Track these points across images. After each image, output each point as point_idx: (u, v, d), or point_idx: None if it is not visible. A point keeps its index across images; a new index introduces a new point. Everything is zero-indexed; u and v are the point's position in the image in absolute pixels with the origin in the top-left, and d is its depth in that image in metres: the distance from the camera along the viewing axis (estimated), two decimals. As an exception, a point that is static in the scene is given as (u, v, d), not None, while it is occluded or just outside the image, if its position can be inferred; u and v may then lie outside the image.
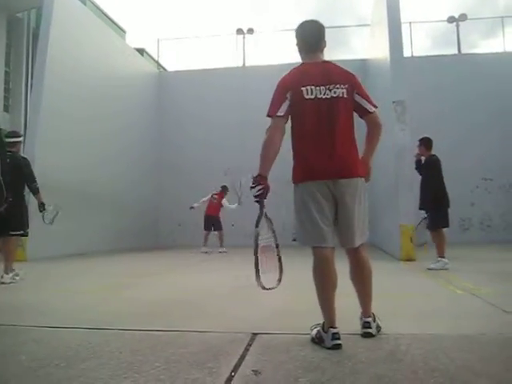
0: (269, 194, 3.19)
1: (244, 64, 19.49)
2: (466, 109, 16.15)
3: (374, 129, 3.36)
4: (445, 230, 7.91)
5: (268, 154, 3.22)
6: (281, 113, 3.19)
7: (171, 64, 21.37)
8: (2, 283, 6.39)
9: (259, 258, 3.10)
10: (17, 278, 6.69)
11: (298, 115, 3.22)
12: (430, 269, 7.45)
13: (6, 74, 16.62)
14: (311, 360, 2.73)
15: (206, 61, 20.45)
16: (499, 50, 18.11)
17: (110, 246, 13.59)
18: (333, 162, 3.11)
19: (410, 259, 9.07)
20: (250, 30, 19.73)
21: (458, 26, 18.33)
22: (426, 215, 7.98)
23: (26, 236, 7.26)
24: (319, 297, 3.13)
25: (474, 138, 15.87)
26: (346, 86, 3.20)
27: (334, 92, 3.17)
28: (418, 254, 9.09)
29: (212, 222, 13.74)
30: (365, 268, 3.29)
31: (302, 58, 3.42)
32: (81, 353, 2.96)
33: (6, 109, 16.44)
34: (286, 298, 4.89)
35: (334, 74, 3.25)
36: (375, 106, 3.32)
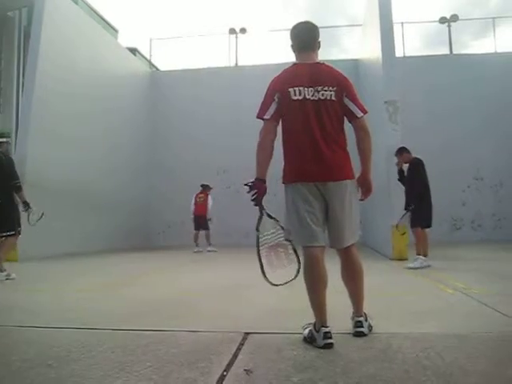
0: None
1: (237, 63, 19.49)
2: (458, 109, 16.21)
3: (362, 136, 3.28)
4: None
5: (260, 157, 3.26)
6: (267, 116, 3.22)
7: (164, 63, 21.33)
8: None
9: (266, 257, 3.19)
10: (11, 277, 6.68)
11: (286, 116, 3.24)
12: (409, 268, 7.53)
13: (-3, 72, 16.58)
14: (303, 359, 2.75)
15: (198, 60, 20.40)
16: (491, 50, 18.21)
17: (101, 246, 13.53)
18: (320, 165, 3.13)
19: (401, 259, 9.09)
20: (243, 30, 19.73)
21: (449, 26, 18.41)
22: (408, 208, 8.00)
23: (19, 235, 7.21)
24: (310, 296, 3.14)
25: (465, 137, 15.93)
26: (335, 88, 3.19)
27: (322, 94, 3.16)
28: (411, 253, 9.12)
29: (200, 221, 13.70)
30: (356, 267, 3.30)
31: (296, 59, 3.41)
32: (73, 353, 2.95)
33: (-3, 108, 16.39)
34: (278, 298, 4.90)
35: (324, 75, 3.23)
36: (364, 111, 3.27)
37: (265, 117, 3.23)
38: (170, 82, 18.80)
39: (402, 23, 17.94)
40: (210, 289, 6.02)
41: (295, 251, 3.21)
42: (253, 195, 3.21)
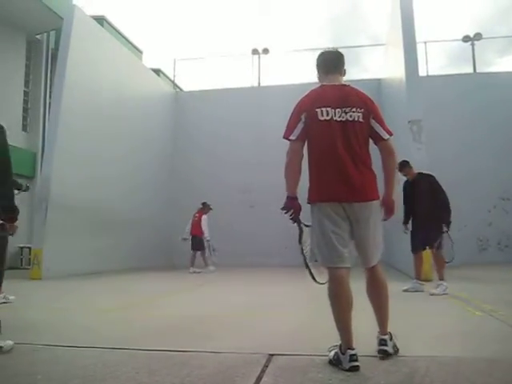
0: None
1: (259, 84, 19.62)
2: (481, 127, 16.02)
3: (387, 156, 3.33)
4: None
5: (290, 177, 3.31)
6: (293, 137, 3.25)
7: (187, 84, 21.57)
8: None
9: (311, 263, 3.25)
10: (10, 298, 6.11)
11: (312, 136, 3.26)
12: (432, 294, 7.04)
13: (25, 94, 16.86)
14: (329, 382, 2.71)
15: (221, 80, 20.60)
16: (515, 68, 18.06)
17: (124, 265, 13.59)
18: (347, 186, 3.15)
19: (427, 280, 8.94)
20: (265, 50, 19.87)
21: (473, 44, 18.30)
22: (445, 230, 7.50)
23: None
24: (335, 317, 3.11)
25: (490, 157, 15.71)
26: (363, 110, 3.23)
27: (350, 116, 3.19)
28: (436, 274, 8.97)
29: (193, 241, 13.47)
30: (381, 284, 3.32)
31: (321, 81, 3.45)
32: (97, 373, 2.96)
33: (25, 128, 16.62)
34: (302, 318, 4.86)
35: (351, 97, 3.27)
36: (390, 134, 3.33)
37: (291, 137, 3.25)
38: (194, 102, 19.00)
39: (425, 42, 17.90)
40: (233, 309, 5.99)
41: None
42: (290, 215, 3.28)
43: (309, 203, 3.32)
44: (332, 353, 3.15)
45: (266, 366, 3.06)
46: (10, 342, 3.55)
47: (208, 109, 18.58)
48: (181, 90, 21.25)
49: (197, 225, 13.44)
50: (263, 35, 54.58)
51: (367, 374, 2.83)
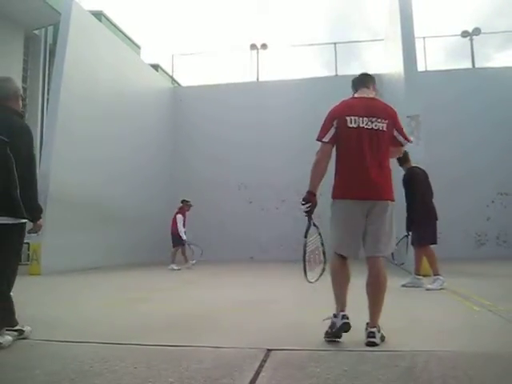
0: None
1: (258, 79, 19.59)
2: (480, 123, 16.04)
3: (394, 153, 4.00)
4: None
5: (315, 174, 3.72)
6: (326, 139, 3.70)
7: (185, 79, 21.52)
8: None
9: (308, 260, 3.62)
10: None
11: (341, 140, 3.69)
12: (428, 289, 7.02)
13: (23, 90, 16.83)
14: (326, 377, 2.70)
15: (219, 76, 20.50)
16: (514, 63, 18.07)
17: (123, 261, 13.61)
18: (367, 186, 3.59)
19: (426, 275, 8.94)
20: (264, 45, 19.85)
21: (471, 40, 18.29)
22: (406, 233, 7.62)
23: None
24: (334, 289, 3.65)
25: (489, 152, 15.73)
26: (387, 121, 3.69)
27: (376, 125, 3.65)
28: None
29: (172, 238, 13.26)
30: (380, 277, 3.60)
31: (353, 94, 3.96)
32: (95, 367, 2.95)
33: (23, 124, 16.61)
34: (300, 313, 4.86)
35: (378, 109, 3.75)
36: (408, 140, 3.89)
37: (324, 139, 3.70)
38: (192, 97, 18.99)
39: (424, 37, 17.88)
40: (232, 304, 5.99)
41: (324, 254, 3.70)
42: (307, 207, 3.68)
43: (332, 198, 3.73)
44: (328, 321, 3.58)
45: (264, 361, 3.06)
46: (10, 338, 3.56)
47: (206, 104, 18.57)
48: (179, 85, 21.22)
49: (173, 222, 13.24)
50: (262, 30, 54.53)
51: (366, 369, 2.83)
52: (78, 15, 12.88)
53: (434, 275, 7.20)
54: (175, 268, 12.61)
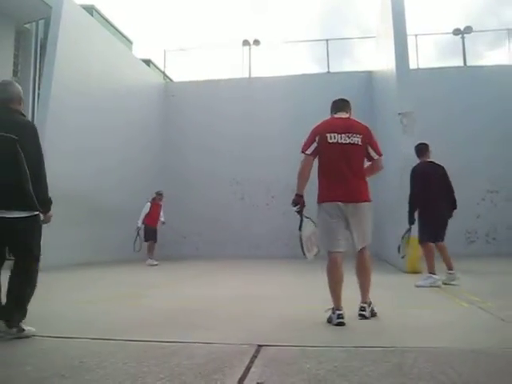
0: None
1: (250, 75, 19.56)
2: (471, 121, 16.10)
3: (373, 169, 4.65)
4: (448, 242, 7.50)
5: (301, 180, 4.47)
6: (309, 152, 4.43)
7: (177, 74, 21.45)
8: None
9: (305, 244, 4.42)
10: None
11: (322, 153, 4.42)
12: (417, 286, 7.00)
13: (14, 84, 16.77)
14: (316, 372, 2.72)
15: (212, 71, 20.45)
16: (505, 61, 18.14)
17: (114, 256, 13.54)
18: (346, 191, 4.30)
19: (415, 271, 9.01)
20: (256, 42, 19.81)
21: (463, 38, 18.35)
22: (408, 227, 7.57)
23: None
24: (330, 288, 4.25)
25: (479, 150, 15.80)
26: (361, 136, 4.40)
27: (352, 139, 4.36)
28: (424, 266, 9.02)
29: (145, 231, 13.27)
30: (366, 264, 4.44)
31: (332, 115, 4.68)
32: (86, 363, 2.95)
33: (13, 118, 16.51)
34: (290, 309, 4.87)
35: (354, 126, 4.46)
36: (380, 154, 4.55)
37: (307, 152, 4.44)
38: (184, 92, 18.92)
39: (416, 35, 17.92)
40: (223, 300, 5.99)
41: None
42: (298, 208, 4.42)
43: (318, 203, 4.43)
44: (328, 313, 4.17)
45: (254, 357, 3.07)
46: (33, 330, 3.78)
47: (198, 99, 18.51)
48: (171, 80, 21.15)
49: (150, 214, 13.21)
50: (254, 26, 54.49)
51: (356, 365, 2.85)
52: (69, 9, 12.78)
53: (429, 273, 7.16)
54: (154, 263, 12.57)
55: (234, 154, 17.66)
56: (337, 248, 4.29)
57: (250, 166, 17.43)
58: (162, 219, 13.51)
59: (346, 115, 4.63)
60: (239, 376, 2.66)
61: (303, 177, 4.44)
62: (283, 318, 4.51)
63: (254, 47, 19.85)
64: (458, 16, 48.45)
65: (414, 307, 5.29)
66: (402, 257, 7.92)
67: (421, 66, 17.81)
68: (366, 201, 4.38)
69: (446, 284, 7.07)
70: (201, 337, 3.67)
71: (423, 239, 7.38)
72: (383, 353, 3.12)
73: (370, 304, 4.36)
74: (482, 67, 17.79)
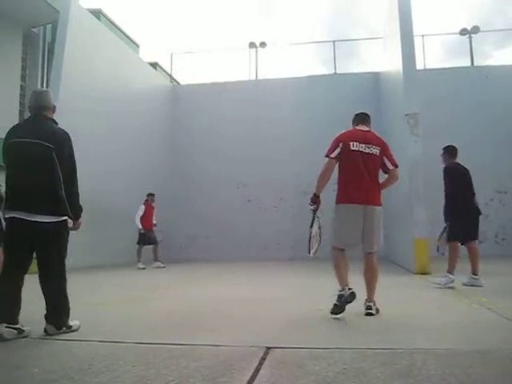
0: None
1: (257, 77, 19.58)
2: (478, 121, 16.03)
3: (390, 179, 5.08)
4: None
5: (321, 181, 4.86)
6: (333, 155, 4.81)
7: (184, 77, 21.49)
8: None
9: (312, 241, 4.90)
10: None
11: (344, 159, 4.82)
12: (433, 283, 7.06)
13: (22, 88, 16.80)
14: (326, 374, 2.70)
15: (218, 74, 20.50)
16: (512, 61, 18.07)
17: (121, 259, 13.57)
18: (363, 194, 4.71)
19: (424, 273, 8.97)
20: (263, 44, 19.83)
21: (470, 38, 18.27)
22: (446, 225, 7.42)
23: None
24: (336, 274, 4.68)
25: (487, 150, 15.70)
26: (379, 148, 4.87)
27: (371, 150, 4.82)
28: (433, 267, 8.99)
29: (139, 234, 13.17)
30: (373, 266, 4.83)
31: (354, 126, 5.10)
32: (94, 366, 2.96)
33: (21, 122, 16.56)
34: (298, 311, 4.86)
35: (373, 138, 4.93)
36: (395, 166, 4.97)
37: (331, 156, 4.82)
38: (191, 95, 18.95)
39: (423, 35, 17.87)
40: (231, 302, 5.98)
41: (320, 236, 4.94)
42: (314, 207, 4.89)
43: (336, 203, 4.85)
44: (335, 298, 4.46)
45: (263, 359, 3.06)
46: (78, 323, 4.11)
47: (205, 102, 18.54)
48: (178, 83, 21.19)
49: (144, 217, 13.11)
50: (261, 28, 54.50)
51: (365, 367, 2.83)
52: (76, 13, 12.86)
53: (447, 272, 7.08)
54: (141, 267, 12.42)
55: (241, 157, 17.66)
56: (344, 246, 4.80)
57: (258, 168, 17.44)
58: (154, 222, 13.39)
59: (367, 128, 5.06)
60: (248, 378, 2.66)
61: (324, 178, 4.82)
62: (291, 320, 4.50)
63: (260, 49, 19.89)
64: (466, 16, 48.22)
65: (423, 308, 5.26)
66: (443, 254, 7.73)
67: (428, 67, 17.77)
68: (377, 205, 4.80)
69: (465, 285, 7.02)
70: (209, 339, 3.67)
71: (453, 238, 7.29)
72: (392, 354, 3.11)
73: (374, 303, 4.69)
74: (488, 67, 17.73)
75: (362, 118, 5.15)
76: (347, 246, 4.83)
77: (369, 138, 4.89)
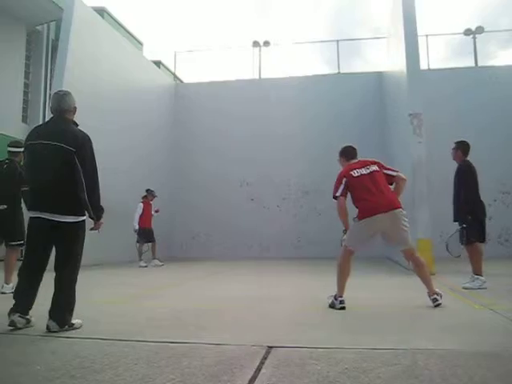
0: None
1: (260, 76, 19.57)
2: (481, 121, 15.98)
3: (399, 183, 5.47)
4: (458, 244, 7.31)
5: (342, 218, 5.30)
6: (338, 193, 5.29)
7: (187, 76, 21.49)
8: (3, 293, 6.30)
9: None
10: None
11: (353, 187, 5.30)
12: (465, 288, 6.77)
13: (25, 85, 16.82)
14: (327, 374, 2.70)
15: (222, 73, 20.49)
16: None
17: (123, 257, 13.59)
18: (384, 201, 5.14)
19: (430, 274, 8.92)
20: (266, 43, 19.81)
21: (474, 38, 18.23)
22: (460, 227, 7.15)
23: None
24: (338, 278, 5.10)
25: (490, 151, 15.63)
26: (376, 165, 5.42)
27: (371, 169, 5.34)
28: (437, 268, 8.96)
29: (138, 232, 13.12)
30: (419, 264, 5.28)
31: (343, 163, 5.68)
32: (96, 364, 2.96)
33: (25, 120, 16.58)
34: (300, 310, 4.86)
35: (367, 162, 5.47)
36: (396, 171, 5.50)
37: (337, 194, 5.29)
38: (194, 94, 18.96)
39: (427, 35, 17.83)
40: (233, 301, 5.99)
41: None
42: (344, 234, 5.37)
43: (358, 219, 5.19)
44: (330, 300, 5.00)
45: (264, 358, 3.06)
46: (80, 321, 4.12)
47: (209, 101, 18.56)
48: (181, 81, 21.20)
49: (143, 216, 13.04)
50: (264, 27, 54.44)
51: (367, 367, 2.83)
52: (80, 11, 12.86)
53: (475, 274, 6.96)
54: (142, 265, 12.45)
55: (244, 155, 17.67)
56: (354, 247, 5.25)
57: (260, 167, 17.44)
58: (153, 213, 13.27)
59: (357, 160, 5.61)
60: (249, 377, 2.66)
61: (343, 215, 5.28)
62: (293, 319, 4.50)
63: (263, 48, 19.87)
64: (470, 15, 48.07)
65: (425, 308, 5.25)
66: (458, 256, 7.55)
67: (432, 67, 17.74)
68: (398, 207, 5.19)
69: (465, 288, 6.85)
70: (211, 338, 3.67)
71: (472, 239, 7.06)
72: (394, 354, 3.10)
73: (438, 293, 5.09)
74: (492, 67, 17.69)
75: (351, 153, 5.70)
76: (356, 250, 5.25)
77: (363, 164, 5.45)
